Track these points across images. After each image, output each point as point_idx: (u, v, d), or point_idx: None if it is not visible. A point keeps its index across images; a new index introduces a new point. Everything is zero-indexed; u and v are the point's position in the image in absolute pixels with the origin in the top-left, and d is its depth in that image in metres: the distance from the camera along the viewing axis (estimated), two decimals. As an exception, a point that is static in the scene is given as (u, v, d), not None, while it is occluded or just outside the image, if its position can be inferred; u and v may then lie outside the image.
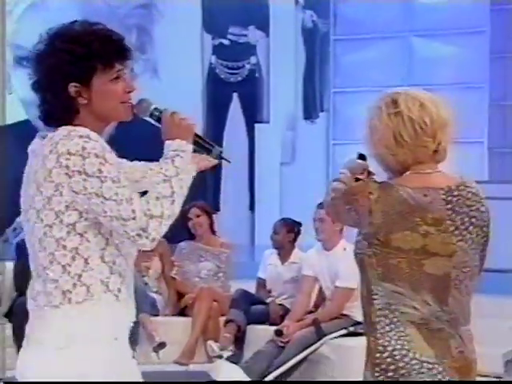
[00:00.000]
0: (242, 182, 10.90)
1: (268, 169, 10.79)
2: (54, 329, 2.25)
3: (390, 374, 2.42)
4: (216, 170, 9.24)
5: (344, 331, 5.90)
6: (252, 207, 10.95)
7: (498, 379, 6.01)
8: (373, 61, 10.28)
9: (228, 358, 5.96)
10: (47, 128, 2.35)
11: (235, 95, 10.79)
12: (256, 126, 10.81)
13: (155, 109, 2.42)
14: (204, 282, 6.56)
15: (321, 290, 6.13)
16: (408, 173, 2.50)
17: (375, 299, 2.47)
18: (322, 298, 6.12)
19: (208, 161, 2.55)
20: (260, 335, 6.06)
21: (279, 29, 10.49)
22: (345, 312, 5.94)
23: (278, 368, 5.75)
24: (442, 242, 2.45)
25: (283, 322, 5.97)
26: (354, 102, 10.37)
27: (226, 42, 10.26)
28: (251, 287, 6.50)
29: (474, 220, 2.49)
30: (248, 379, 5.66)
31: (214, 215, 6.97)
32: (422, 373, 2.41)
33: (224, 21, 10.21)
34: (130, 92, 2.38)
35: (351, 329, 5.90)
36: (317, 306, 6.11)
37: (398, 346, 2.43)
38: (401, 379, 2.42)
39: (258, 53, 10.57)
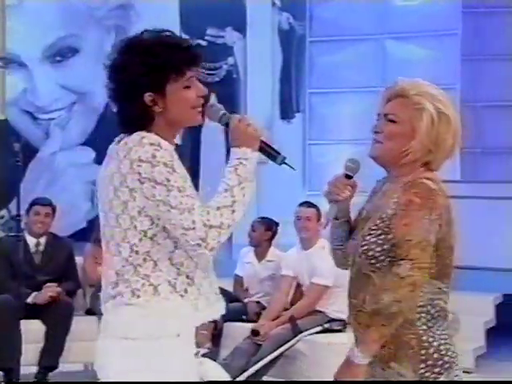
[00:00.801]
0: (220, 181, 10.92)
1: (245, 168, 10.80)
2: (122, 323, 2.32)
3: (436, 369, 2.42)
4: (194, 168, 9.30)
5: (319, 328, 5.95)
6: (229, 206, 10.98)
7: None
8: (348, 62, 10.31)
9: (204, 355, 5.98)
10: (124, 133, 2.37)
11: (213, 96, 10.81)
12: (233, 125, 10.84)
13: (224, 114, 2.43)
14: (182, 281, 6.61)
15: (298, 288, 6.17)
16: (422, 169, 2.52)
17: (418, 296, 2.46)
18: (299, 295, 6.14)
19: None
20: (237, 332, 6.10)
21: (256, 30, 10.48)
22: (320, 309, 5.98)
23: (255, 364, 5.81)
24: (456, 236, 2.51)
25: (259, 321, 6.01)
26: (329, 103, 10.45)
27: (203, 43, 10.22)
28: (229, 285, 6.52)
29: None
30: (228, 376, 5.72)
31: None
32: (457, 365, 2.46)
33: (201, 22, 10.20)
34: (201, 97, 2.41)
35: (326, 325, 5.96)
36: (293, 304, 6.12)
37: (443, 341, 2.44)
38: (445, 374, 2.43)
39: (235, 54, 10.56)
